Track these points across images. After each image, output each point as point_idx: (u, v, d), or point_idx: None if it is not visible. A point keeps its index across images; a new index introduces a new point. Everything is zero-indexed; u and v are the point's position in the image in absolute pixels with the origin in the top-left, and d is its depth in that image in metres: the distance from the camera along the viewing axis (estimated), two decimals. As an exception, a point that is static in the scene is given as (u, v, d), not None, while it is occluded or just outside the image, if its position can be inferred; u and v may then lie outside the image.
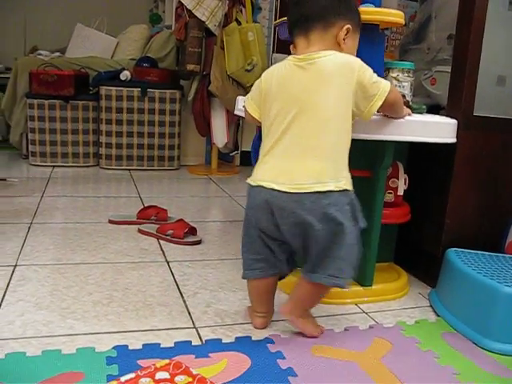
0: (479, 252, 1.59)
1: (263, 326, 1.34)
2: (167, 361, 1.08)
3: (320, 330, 1.32)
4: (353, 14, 1.28)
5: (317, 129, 1.18)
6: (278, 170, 1.20)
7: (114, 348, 1.19)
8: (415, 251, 1.78)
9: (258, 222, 1.24)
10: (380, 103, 1.22)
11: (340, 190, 1.17)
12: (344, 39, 1.24)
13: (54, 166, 3.42)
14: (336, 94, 1.18)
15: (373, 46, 1.45)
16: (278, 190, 1.17)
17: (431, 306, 1.56)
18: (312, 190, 1.15)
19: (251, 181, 1.24)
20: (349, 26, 1.24)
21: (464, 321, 1.41)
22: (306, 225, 1.17)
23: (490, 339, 1.32)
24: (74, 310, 1.37)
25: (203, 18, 3.14)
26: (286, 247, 1.27)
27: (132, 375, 1.03)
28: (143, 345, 1.21)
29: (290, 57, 1.26)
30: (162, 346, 1.22)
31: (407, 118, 1.38)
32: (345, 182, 1.19)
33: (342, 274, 1.21)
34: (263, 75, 1.30)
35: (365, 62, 1.40)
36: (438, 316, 1.49)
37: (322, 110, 1.18)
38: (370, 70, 1.22)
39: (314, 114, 1.18)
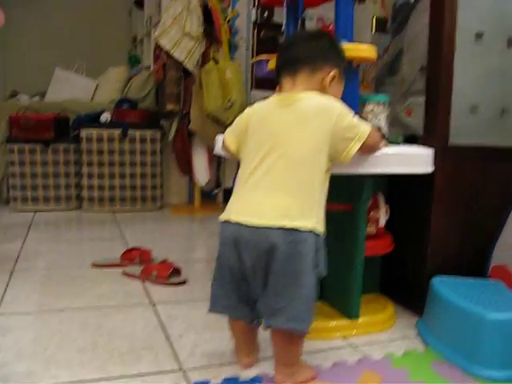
0: (464, 278, 1.59)
1: (248, 365, 1.32)
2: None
3: (313, 371, 1.29)
4: (340, 61, 1.33)
5: (288, 167, 1.19)
6: (247, 204, 1.20)
7: (99, 396, 1.17)
8: (400, 281, 1.78)
9: (227, 259, 1.23)
10: (358, 147, 1.23)
11: (306, 230, 1.16)
12: (330, 84, 1.29)
13: (35, 211, 3.39)
14: (311, 136, 1.20)
15: (347, 81, 1.46)
16: (244, 224, 1.17)
17: (419, 335, 1.56)
18: (278, 225, 1.14)
19: (221, 216, 1.25)
20: (335, 71, 1.30)
21: (452, 349, 1.40)
22: (269, 259, 1.16)
23: (478, 366, 1.32)
24: (58, 358, 1.35)
25: (181, 59, 3.18)
26: (249, 290, 1.24)
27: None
28: (130, 391, 1.19)
29: (274, 95, 1.30)
30: (148, 391, 1.20)
31: (383, 150, 1.39)
32: (313, 222, 1.17)
33: (303, 318, 1.17)
34: (246, 111, 1.34)
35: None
36: (427, 345, 1.49)
37: (295, 148, 1.19)
38: (351, 114, 1.24)
39: (287, 151, 1.19)
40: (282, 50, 1.36)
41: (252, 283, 1.22)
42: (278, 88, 1.34)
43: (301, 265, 1.16)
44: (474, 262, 1.70)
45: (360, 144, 1.23)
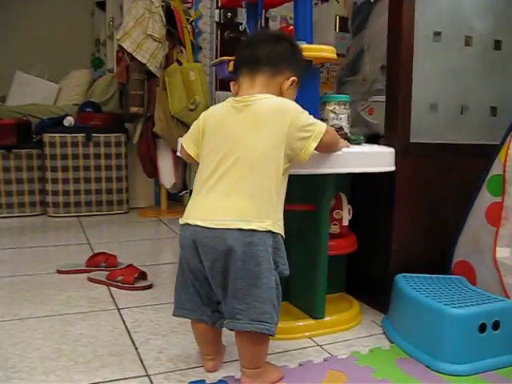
0: (427, 275, 1.62)
1: (213, 368, 1.32)
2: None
3: (279, 371, 1.30)
4: (300, 68, 1.34)
5: (244, 170, 1.19)
6: (204, 207, 1.21)
7: (62, 405, 1.15)
8: (366, 279, 1.80)
9: (187, 261, 1.24)
10: (315, 145, 1.23)
11: (264, 231, 1.16)
12: (287, 89, 1.29)
13: (-1, 218, 3.33)
14: (267, 137, 1.20)
15: (307, 81, 1.47)
16: (202, 226, 1.17)
17: (384, 333, 1.58)
18: (234, 227, 1.15)
19: (181, 219, 1.25)
20: (295, 78, 1.31)
21: (416, 345, 1.42)
22: (227, 261, 1.16)
23: (441, 361, 1.34)
24: (20, 369, 1.32)
25: (144, 61, 3.15)
26: (212, 293, 1.25)
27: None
28: (94, 399, 1.18)
29: (229, 98, 1.29)
30: (113, 398, 1.18)
31: (345, 149, 1.40)
32: (270, 223, 1.18)
33: (265, 319, 1.16)
34: (202, 115, 1.33)
35: (300, 97, 1.44)
36: (392, 342, 1.50)
37: (251, 151, 1.19)
38: (306, 113, 1.25)
39: (243, 154, 1.19)
40: (244, 48, 1.34)
41: (213, 285, 1.23)
42: (233, 85, 1.33)
43: (258, 266, 1.16)
44: (437, 259, 1.72)
45: (317, 143, 1.24)
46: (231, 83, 1.34)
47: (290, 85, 1.30)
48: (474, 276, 1.60)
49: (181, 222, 1.25)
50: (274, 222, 1.19)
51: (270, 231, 1.18)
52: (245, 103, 1.24)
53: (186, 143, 1.35)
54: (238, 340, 1.23)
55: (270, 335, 1.19)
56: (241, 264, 1.15)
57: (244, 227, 1.15)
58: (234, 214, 1.17)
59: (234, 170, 1.19)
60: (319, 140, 1.24)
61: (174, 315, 1.30)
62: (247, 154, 1.19)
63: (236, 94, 1.31)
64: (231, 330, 1.22)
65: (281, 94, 1.29)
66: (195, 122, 1.34)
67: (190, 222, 1.21)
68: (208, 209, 1.20)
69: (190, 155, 1.34)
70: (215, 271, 1.19)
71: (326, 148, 1.31)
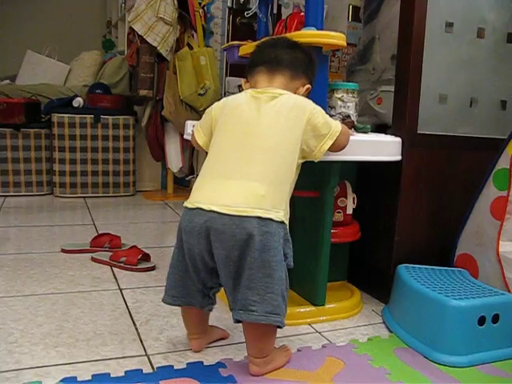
0: (429, 267, 1.62)
1: (198, 348, 1.32)
2: (116, 391, 1.06)
3: (287, 353, 1.30)
4: (313, 79, 1.39)
5: (263, 157, 1.18)
6: (220, 192, 1.17)
7: (61, 381, 1.16)
8: (368, 269, 1.80)
9: (189, 247, 1.20)
10: (330, 143, 1.25)
11: (279, 221, 1.16)
12: (302, 95, 1.32)
13: (6, 196, 3.35)
14: (286, 129, 1.21)
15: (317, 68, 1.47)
16: (219, 212, 1.14)
17: (384, 322, 1.58)
18: (254, 215, 1.13)
19: (189, 203, 1.21)
20: (309, 86, 1.35)
21: (415, 335, 1.42)
22: (244, 250, 1.14)
23: (440, 352, 1.34)
24: (22, 344, 1.33)
25: (154, 44, 3.15)
26: (207, 279, 1.24)
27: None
28: (92, 375, 1.18)
29: (249, 89, 1.30)
30: (112, 375, 1.19)
31: (351, 137, 1.40)
32: (283, 213, 1.18)
33: (279, 311, 1.16)
34: (215, 105, 1.33)
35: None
36: (391, 332, 1.51)
37: (270, 139, 1.20)
38: (322, 112, 1.26)
39: (262, 142, 1.19)
40: (264, 48, 1.37)
41: (223, 275, 1.20)
42: (245, 82, 1.36)
43: (274, 257, 1.15)
44: (441, 251, 1.72)
45: (332, 141, 1.25)
46: (243, 80, 1.36)
47: (305, 92, 1.33)
48: (476, 269, 1.60)
49: (189, 205, 1.20)
50: (286, 213, 1.20)
51: (282, 222, 1.17)
52: (265, 94, 1.26)
53: (197, 132, 1.35)
54: (247, 331, 1.22)
55: (281, 327, 1.19)
56: (258, 253, 1.13)
57: (262, 215, 1.14)
58: (253, 202, 1.14)
59: (253, 157, 1.18)
60: (335, 139, 1.26)
61: (163, 301, 1.29)
62: (266, 142, 1.19)
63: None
64: (242, 321, 1.19)
65: None
66: (207, 110, 1.34)
67: (204, 207, 1.16)
68: (224, 194, 1.16)
69: (199, 144, 1.34)
70: (230, 260, 1.16)
71: (339, 147, 1.31)
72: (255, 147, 1.19)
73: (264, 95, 1.26)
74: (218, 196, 1.17)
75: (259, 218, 1.13)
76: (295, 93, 1.31)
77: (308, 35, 1.45)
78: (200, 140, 1.34)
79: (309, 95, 1.36)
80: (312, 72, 1.38)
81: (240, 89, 1.39)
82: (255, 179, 1.17)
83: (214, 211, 1.15)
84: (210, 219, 1.15)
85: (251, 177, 1.17)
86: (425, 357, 1.36)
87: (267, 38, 1.50)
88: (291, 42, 1.38)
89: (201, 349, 1.33)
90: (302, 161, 1.25)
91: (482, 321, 1.35)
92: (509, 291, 1.46)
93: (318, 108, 1.26)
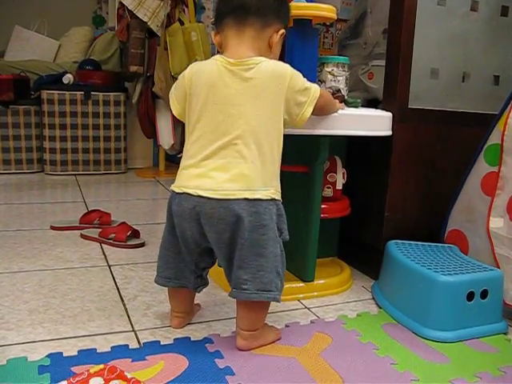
0: (419, 243, 1.61)
1: (180, 325, 1.32)
2: (102, 366, 1.04)
3: (277, 332, 1.29)
4: (287, 20, 1.28)
5: (245, 137, 1.14)
6: (205, 176, 1.15)
7: (47, 356, 1.14)
8: (358, 245, 1.79)
9: (182, 230, 1.19)
10: (311, 109, 1.21)
11: (268, 199, 1.15)
12: (276, 42, 1.23)
13: (-4, 174, 3.32)
14: (267, 104, 1.16)
15: (306, 41, 1.45)
16: (206, 197, 1.13)
17: (373, 298, 1.58)
18: (241, 197, 1.12)
19: (176, 187, 1.19)
20: (283, 30, 1.24)
21: (404, 311, 1.42)
22: (234, 231, 1.14)
23: (428, 328, 1.34)
24: (8, 320, 1.32)
25: (145, 19, 3.11)
26: (200, 260, 1.25)
27: (64, 383, 1.00)
28: (78, 351, 1.18)
29: (218, 57, 1.21)
30: (98, 351, 1.18)
31: (341, 111, 1.38)
32: (273, 190, 1.16)
33: (272, 287, 1.16)
34: (187, 71, 1.24)
35: (298, 57, 1.41)
36: (380, 308, 1.50)
37: (252, 119, 1.15)
38: (301, 77, 1.21)
39: (244, 122, 1.15)
40: None
41: (218, 257, 1.22)
42: (215, 35, 1.26)
43: (264, 235, 1.14)
44: (431, 227, 1.71)
45: (312, 107, 1.21)
46: (212, 33, 1.27)
47: (279, 38, 1.24)
48: (466, 245, 1.59)
49: (176, 189, 1.19)
50: (276, 189, 1.18)
51: (273, 199, 1.16)
52: (240, 67, 1.17)
53: (172, 101, 1.28)
54: (239, 306, 1.22)
55: (276, 301, 1.20)
56: (247, 234, 1.13)
57: (249, 197, 1.13)
58: (238, 184, 1.13)
59: (235, 138, 1.14)
60: (314, 104, 1.22)
61: (155, 282, 1.29)
62: (248, 121, 1.15)
63: (219, 46, 1.25)
64: (234, 297, 1.20)
65: (269, 47, 1.23)
66: (179, 77, 1.26)
67: (191, 191, 1.15)
68: (210, 178, 1.15)
69: (175, 113, 1.28)
70: (222, 242, 1.17)
71: (320, 111, 1.29)
72: (237, 128, 1.15)
73: (238, 68, 1.17)
74: (204, 180, 1.15)
75: (247, 199, 1.12)
76: (269, 42, 1.22)
77: (297, 7, 1.41)
78: (175, 110, 1.28)
79: (284, 39, 1.28)
80: (285, 14, 1.26)
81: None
82: (240, 160, 1.14)
83: (201, 196, 1.14)
84: (198, 204, 1.14)
85: (235, 158, 1.14)
86: (413, 332, 1.35)
87: None
88: None
89: (181, 327, 1.32)
90: (284, 130, 1.21)
91: (470, 296, 1.35)
92: (498, 267, 1.46)
93: (297, 73, 1.20)
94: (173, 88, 1.29)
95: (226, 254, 1.19)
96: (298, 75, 1.20)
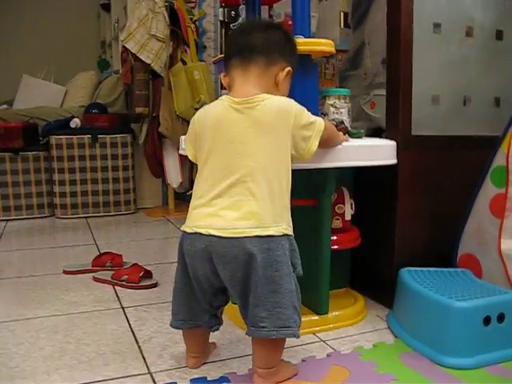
0: (431, 269, 1.60)
1: (196, 365, 1.31)
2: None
3: (293, 367, 1.28)
4: (294, 58, 1.30)
5: (254, 174, 1.15)
6: (215, 215, 1.16)
7: (64, 403, 1.15)
8: (370, 274, 1.78)
9: (194, 270, 1.20)
10: (317, 142, 1.22)
11: (280, 235, 1.15)
12: (283, 80, 1.25)
13: (7, 220, 3.35)
14: (273, 141, 1.17)
15: (306, 75, 1.46)
16: (217, 236, 1.14)
17: (389, 327, 1.56)
18: (252, 234, 1.12)
19: (187, 228, 1.20)
20: (290, 68, 1.26)
21: (420, 339, 1.41)
22: (247, 270, 1.14)
23: (445, 355, 1.32)
24: (23, 368, 1.32)
25: (148, 61, 3.16)
26: (214, 299, 1.25)
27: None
28: (95, 397, 1.18)
29: (225, 97, 1.24)
30: (115, 396, 1.18)
31: (345, 143, 1.40)
32: (285, 226, 1.17)
33: (290, 323, 1.16)
34: (196, 116, 1.28)
35: (299, 91, 1.42)
36: (396, 337, 1.49)
37: (259, 156, 1.16)
38: (305, 111, 1.22)
39: (251, 159, 1.16)
40: (236, 36, 1.30)
41: (233, 295, 1.22)
42: (224, 76, 1.28)
43: (278, 272, 1.14)
44: (442, 252, 1.70)
45: (318, 140, 1.23)
46: (221, 75, 1.30)
47: (286, 75, 1.25)
48: (479, 269, 1.58)
49: (188, 230, 1.19)
50: (288, 225, 1.19)
51: (285, 234, 1.16)
52: (246, 105, 1.19)
53: (186, 145, 1.33)
54: (256, 344, 1.21)
55: (295, 337, 1.19)
56: (261, 271, 1.12)
57: (261, 234, 1.13)
58: (249, 221, 1.13)
59: (244, 176, 1.15)
60: (320, 137, 1.23)
61: (171, 326, 1.30)
62: (256, 159, 1.15)
63: (228, 87, 1.28)
64: (255, 337, 1.19)
65: (276, 85, 1.25)
66: (191, 122, 1.30)
67: (203, 231, 1.15)
68: (221, 217, 1.15)
69: (190, 157, 1.32)
70: (236, 280, 1.16)
71: (326, 144, 1.30)
72: (246, 166, 1.16)
73: (244, 106, 1.19)
74: (215, 219, 1.16)
75: (258, 236, 1.13)
76: (275, 80, 1.24)
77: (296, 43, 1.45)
78: (189, 153, 1.31)
79: (291, 78, 1.29)
80: (291, 52, 1.29)
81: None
82: (250, 198, 1.15)
83: (212, 235, 1.14)
84: (210, 243, 1.15)
85: (245, 196, 1.15)
86: (431, 360, 1.34)
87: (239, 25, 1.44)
88: (264, 22, 1.31)
89: (197, 367, 1.32)
90: (292, 165, 1.22)
91: (487, 321, 1.33)
92: (513, 289, 1.44)
93: (301, 108, 1.22)
94: (186, 135, 1.33)
95: (240, 292, 1.18)
96: (302, 110, 1.22)
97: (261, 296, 1.14)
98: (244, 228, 1.13)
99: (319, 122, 1.24)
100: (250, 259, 1.13)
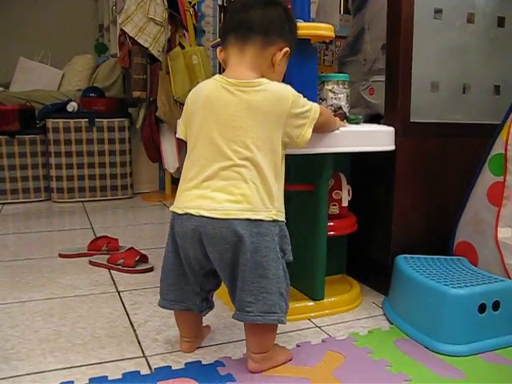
0: (428, 256, 1.60)
1: (190, 349, 1.31)
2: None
3: (288, 352, 1.28)
4: (293, 38, 1.27)
5: (245, 158, 1.14)
6: (206, 197, 1.15)
7: (58, 385, 1.15)
8: (367, 261, 1.78)
9: (185, 251, 1.19)
10: (310, 130, 1.21)
11: (270, 220, 1.14)
12: (279, 61, 1.22)
13: (3, 204, 3.34)
14: (266, 127, 1.16)
15: (305, 60, 1.45)
16: (208, 217, 1.13)
17: (384, 314, 1.57)
18: (242, 217, 1.12)
19: (177, 209, 1.19)
20: (288, 49, 1.23)
21: (415, 326, 1.41)
22: (236, 252, 1.13)
23: (440, 342, 1.33)
24: (19, 350, 1.32)
25: (146, 45, 3.13)
26: (205, 282, 1.25)
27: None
28: (90, 379, 1.17)
29: (218, 77, 1.21)
30: (109, 378, 1.18)
31: (343, 129, 1.39)
32: (275, 211, 1.16)
33: (276, 309, 1.16)
34: (190, 94, 1.26)
35: (298, 76, 1.41)
36: (391, 324, 1.49)
37: (251, 140, 1.14)
38: (301, 98, 1.20)
39: (243, 144, 1.14)
40: (233, 13, 1.26)
41: (222, 277, 1.22)
42: (219, 51, 1.25)
43: (266, 257, 1.14)
44: (439, 240, 1.70)
45: (312, 127, 1.21)
46: (218, 49, 1.26)
47: (283, 56, 1.22)
48: (475, 257, 1.58)
49: (178, 211, 1.18)
50: (279, 210, 1.18)
51: (275, 220, 1.16)
52: (239, 88, 1.17)
53: (179, 128, 1.31)
54: (246, 329, 1.21)
55: (281, 323, 1.19)
56: (249, 255, 1.12)
57: (252, 217, 1.12)
58: (240, 204, 1.13)
59: (235, 160, 1.14)
60: (313, 124, 1.21)
61: (160, 306, 1.29)
62: (247, 144, 1.14)
63: (223, 63, 1.25)
64: (241, 321, 1.19)
65: (272, 65, 1.22)
66: (185, 100, 1.28)
67: (193, 212, 1.15)
68: (212, 198, 1.14)
69: (182, 136, 1.30)
70: (224, 262, 1.16)
71: (321, 129, 1.29)
72: (236, 149, 1.15)
73: (237, 88, 1.17)
74: (206, 200, 1.15)
75: (249, 219, 1.12)
76: (272, 60, 1.21)
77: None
78: (181, 131, 1.29)
79: (289, 58, 1.27)
80: (290, 32, 1.25)
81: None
82: (241, 181, 1.14)
83: (203, 216, 1.14)
84: (201, 224, 1.14)
85: (236, 179, 1.14)
86: (426, 347, 1.34)
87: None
88: None
89: (191, 351, 1.32)
90: (284, 151, 1.22)
91: (482, 308, 1.34)
92: (509, 277, 1.44)
93: (297, 95, 1.19)
94: (182, 115, 1.31)
95: (228, 274, 1.18)
96: (298, 97, 1.20)
97: (248, 280, 1.14)
98: (235, 210, 1.13)
99: (314, 108, 1.22)
100: (239, 241, 1.12)
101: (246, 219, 1.12)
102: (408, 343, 1.37)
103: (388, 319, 1.53)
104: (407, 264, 1.52)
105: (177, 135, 1.52)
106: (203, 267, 1.21)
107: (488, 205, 1.55)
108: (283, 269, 1.18)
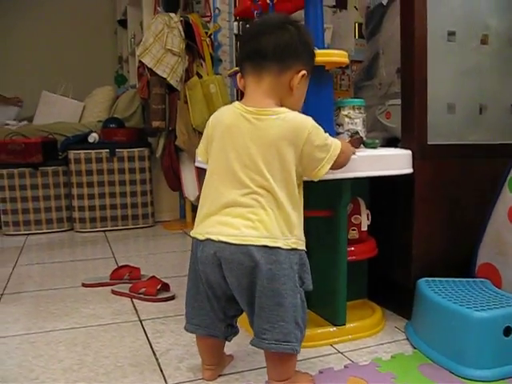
0: (450, 279, 1.58)
1: (212, 377, 1.31)
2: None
3: (310, 379, 1.28)
4: (310, 59, 1.26)
5: (263, 185, 1.15)
6: (226, 223, 1.16)
7: (82, 416, 1.15)
8: (388, 285, 1.77)
9: (207, 277, 1.20)
10: (328, 167, 1.21)
11: (289, 249, 1.15)
12: (297, 85, 1.21)
13: (28, 234, 3.39)
14: (282, 157, 1.16)
15: (320, 86, 1.47)
16: (227, 242, 1.14)
17: (407, 338, 1.55)
18: (260, 243, 1.13)
19: (199, 234, 1.20)
20: (305, 71, 1.22)
21: (439, 350, 1.39)
22: (253, 278, 1.14)
23: (465, 366, 1.31)
24: (43, 380, 1.33)
25: (164, 75, 3.19)
26: (228, 307, 1.25)
27: None
28: (113, 409, 1.18)
29: (237, 103, 1.23)
30: (132, 408, 1.19)
31: (361, 153, 1.40)
32: (294, 240, 1.16)
33: (291, 338, 1.15)
34: (210, 119, 1.28)
35: (314, 103, 1.43)
36: (415, 348, 1.48)
37: (267, 169, 1.15)
38: (321, 131, 1.20)
39: (260, 172, 1.16)
40: (247, 41, 1.26)
41: (240, 303, 1.22)
42: (239, 79, 1.26)
43: (284, 285, 1.14)
44: (460, 262, 1.68)
45: (330, 165, 1.21)
46: (237, 76, 1.27)
47: (301, 79, 1.21)
48: (499, 278, 1.56)
49: (200, 236, 1.20)
50: (298, 239, 1.18)
51: (294, 249, 1.16)
52: (256, 116, 1.18)
53: (200, 150, 1.33)
54: (266, 356, 1.22)
55: (296, 353, 1.19)
56: (266, 282, 1.13)
57: (269, 244, 1.13)
58: (259, 231, 1.14)
59: (254, 186, 1.15)
60: (333, 162, 1.21)
61: (185, 330, 1.30)
62: (262, 171, 1.15)
63: (243, 89, 1.26)
64: (256, 347, 1.20)
65: (290, 89, 1.21)
66: (206, 124, 1.29)
67: (213, 237, 1.16)
68: (231, 224, 1.16)
69: (202, 161, 1.32)
70: (242, 288, 1.17)
71: (338, 166, 1.28)
72: (253, 177, 1.16)
73: (254, 117, 1.18)
74: (225, 226, 1.16)
75: (266, 246, 1.13)
76: (289, 85, 1.20)
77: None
78: (201, 153, 1.31)
79: (308, 81, 1.27)
80: (307, 54, 1.24)
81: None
82: (259, 209, 1.15)
83: (222, 241, 1.15)
84: (219, 249, 1.16)
85: (255, 207, 1.15)
86: (450, 372, 1.32)
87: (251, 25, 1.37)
88: (276, 21, 1.23)
89: (214, 379, 1.32)
90: (300, 181, 1.22)
91: (507, 331, 1.31)
92: (533, 299, 1.42)
93: (317, 127, 1.19)
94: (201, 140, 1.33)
95: (246, 299, 1.19)
96: (318, 129, 1.19)
97: (265, 307, 1.15)
98: (252, 236, 1.14)
99: (335, 145, 1.21)
100: (256, 267, 1.13)
101: (263, 246, 1.13)
102: (432, 368, 1.35)
103: (411, 344, 1.51)
104: (429, 287, 1.51)
105: (196, 163, 1.55)
106: (225, 292, 1.22)
107: (510, 226, 1.53)
108: (301, 298, 1.18)
